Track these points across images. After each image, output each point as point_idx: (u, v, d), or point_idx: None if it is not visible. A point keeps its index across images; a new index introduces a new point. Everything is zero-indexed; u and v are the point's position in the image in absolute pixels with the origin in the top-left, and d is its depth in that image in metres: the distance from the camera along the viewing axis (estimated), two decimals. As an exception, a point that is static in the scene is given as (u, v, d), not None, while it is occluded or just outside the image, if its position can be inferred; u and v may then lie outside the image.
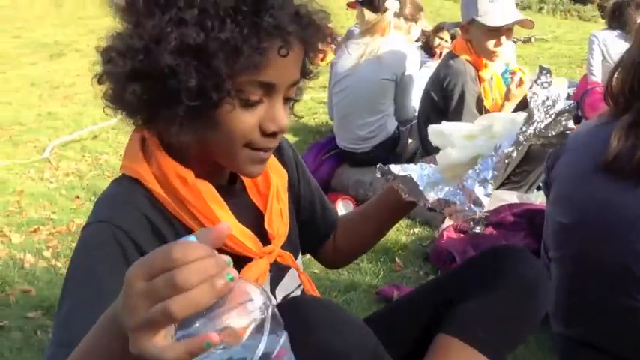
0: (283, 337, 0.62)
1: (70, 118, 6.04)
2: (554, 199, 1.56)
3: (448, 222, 2.81)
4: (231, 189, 1.06)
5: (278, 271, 1.11)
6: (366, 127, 3.39)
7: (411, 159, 3.62)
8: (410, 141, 3.52)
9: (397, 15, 3.42)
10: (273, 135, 0.93)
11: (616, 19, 4.13)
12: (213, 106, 0.87)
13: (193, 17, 0.83)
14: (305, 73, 1.02)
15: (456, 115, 2.85)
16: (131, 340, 0.58)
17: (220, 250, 0.93)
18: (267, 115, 0.91)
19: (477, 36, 2.84)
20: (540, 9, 19.98)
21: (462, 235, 2.55)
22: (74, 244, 2.92)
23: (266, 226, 1.06)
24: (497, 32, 2.77)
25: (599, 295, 1.45)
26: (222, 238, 0.61)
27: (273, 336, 0.61)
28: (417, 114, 3.34)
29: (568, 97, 4.35)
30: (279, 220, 1.09)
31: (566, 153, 1.53)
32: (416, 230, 2.98)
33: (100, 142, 5.18)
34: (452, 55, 2.97)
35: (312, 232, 1.30)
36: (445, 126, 1.12)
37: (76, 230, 3.13)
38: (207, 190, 0.97)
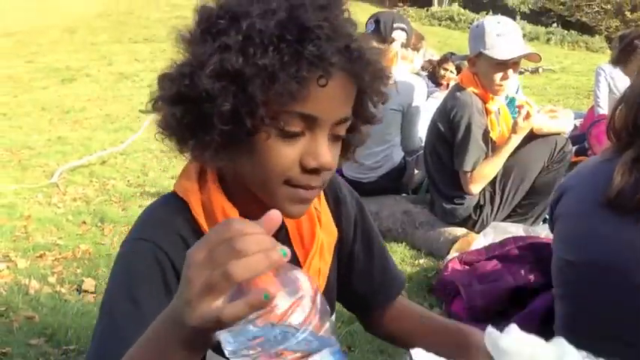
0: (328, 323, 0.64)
1: (79, 143, 6.10)
2: (559, 236, 1.56)
3: (453, 253, 2.80)
4: (275, 236, 1.03)
5: None
6: (372, 157, 3.40)
7: (417, 189, 3.63)
8: (416, 171, 3.52)
9: (404, 45, 3.45)
10: (314, 172, 0.88)
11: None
12: (247, 133, 0.85)
13: (237, 43, 0.83)
14: (365, 117, 0.97)
15: (462, 146, 2.86)
16: (190, 313, 0.61)
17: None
18: (308, 150, 0.87)
19: (484, 69, 2.86)
20: (548, 40, 20.09)
21: (467, 267, 2.54)
22: (79, 270, 2.93)
23: None
24: (504, 65, 2.80)
25: (602, 333, 1.43)
26: (275, 225, 0.64)
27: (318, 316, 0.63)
28: (423, 144, 3.35)
29: (575, 128, 4.38)
30: (314, 279, 1.05)
31: (571, 189, 1.52)
32: (421, 261, 2.97)
33: (108, 167, 5.21)
34: (459, 87, 2.99)
35: (362, 302, 1.24)
36: (506, 340, 0.82)
37: (81, 256, 3.14)
38: None
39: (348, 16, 0.91)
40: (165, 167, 5.33)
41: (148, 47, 16.49)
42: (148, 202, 4.31)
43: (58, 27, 17.61)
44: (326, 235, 1.07)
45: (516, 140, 2.86)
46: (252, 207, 0.93)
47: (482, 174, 2.89)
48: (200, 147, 0.88)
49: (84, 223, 3.74)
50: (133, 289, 0.89)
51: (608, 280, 1.40)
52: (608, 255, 1.39)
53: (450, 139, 2.94)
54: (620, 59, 3.73)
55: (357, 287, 1.20)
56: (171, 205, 0.98)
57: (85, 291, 2.72)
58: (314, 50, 0.82)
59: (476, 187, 2.93)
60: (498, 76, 2.82)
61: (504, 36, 2.80)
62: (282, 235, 1.03)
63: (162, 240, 0.92)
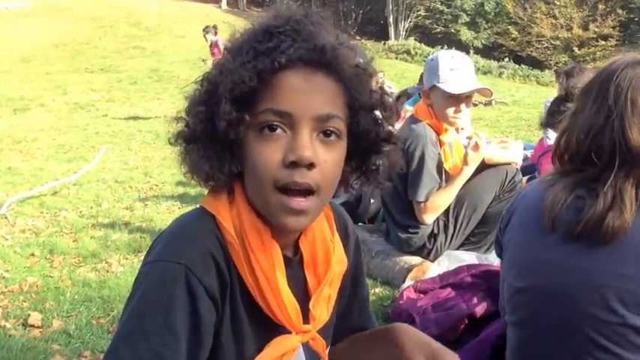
0: None
1: (30, 174, 5.96)
2: (508, 263, 1.58)
3: (408, 282, 2.81)
4: (290, 260, 1.04)
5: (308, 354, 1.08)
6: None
7: (373, 219, 3.64)
8: (372, 201, 3.54)
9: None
10: (295, 165, 0.89)
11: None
12: (227, 133, 0.91)
13: (219, 62, 0.95)
14: (370, 128, 0.99)
15: (415, 177, 2.88)
16: None
17: (261, 314, 0.97)
18: (289, 147, 0.90)
19: (438, 101, 2.91)
20: (501, 74, 20.74)
21: (421, 295, 2.55)
22: (25, 304, 2.82)
23: (311, 305, 1.03)
24: (457, 99, 2.86)
25: (553, 358, 1.45)
26: None
27: None
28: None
29: (526, 159, 4.49)
30: (324, 305, 1.06)
31: (516, 215, 1.55)
32: (377, 290, 2.97)
33: (59, 198, 5.10)
34: (413, 119, 3.03)
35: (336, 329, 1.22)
36: None
37: (28, 289, 3.03)
38: (276, 251, 0.97)
39: (323, 25, 0.95)
40: (119, 198, 5.24)
41: (105, 77, 16.36)
42: (101, 233, 4.23)
43: (12, 56, 17.29)
44: (339, 265, 1.09)
45: (468, 171, 2.91)
46: (272, 229, 0.97)
47: (435, 204, 2.93)
48: (201, 160, 0.94)
49: (32, 255, 3.63)
50: (171, 316, 0.88)
51: (557, 306, 1.42)
52: (557, 281, 1.42)
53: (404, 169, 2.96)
54: (549, 123, 3.52)
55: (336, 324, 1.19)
56: (202, 220, 0.98)
57: (31, 325, 2.62)
58: (270, 45, 0.90)
59: (429, 217, 2.95)
60: (452, 109, 2.88)
61: (457, 70, 2.87)
62: (295, 261, 1.04)
63: (194, 263, 0.91)
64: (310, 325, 1.03)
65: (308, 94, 0.91)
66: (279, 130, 0.90)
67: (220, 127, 0.90)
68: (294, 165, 0.90)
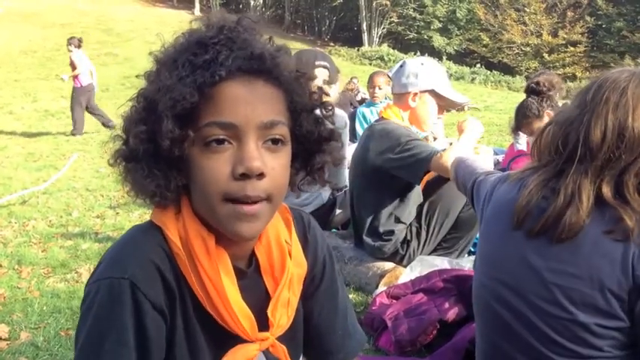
0: None
1: (-2, 182, 5.85)
2: (478, 257, 1.61)
3: (381, 288, 2.82)
4: (244, 272, 1.03)
5: None
6: (301, 194, 3.38)
7: (346, 225, 3.64)
8: (338, 211, 3.52)
9: (326, 82, 3.48)
10: (246, 177, 0.89)
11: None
12: (168, 151, 0.89)
13: (151, 76, 0.94)
14: (312, 128, 0.99)
15: (415, 147, 2.80)
16: None
17: (216, 325, 0.96)
18: (236, 158, 0.89)
19: (431, 106, 2.99)
20: (473, 79, 21.02)
21: (394, 301, 2.55)
22: (-10, 317, 2.72)
23: (268, 311, 1.02)
24: (442, 107, 3.02)
25: (513, 353, 1.47)
26: None
27: None
28: (347, 184, 3.35)
29: (497, 164, 4.54)
30: (283, 310, 1.04)
31: (489, 208, 1.58)
32: (350, 296, 2.97)
33: (28, 207, 5.01)
34: (383, 119, 3.03)
35: (318, 357, 1.20)
36: None
37: (-6, 301, 2.97)
38: (223, 258, 0.96)
39: (256, 30, 0.96)
40: (90, 206, 5.17)
41: (76, 84, 16.15)
42: (71, 242, 4.15)
43: (-21, 63, 16.98)
44: (297, 267, 1.07)
45: (465, 140, 2.84)
46: (221, 234, 0.96)
47: (449, 155, 2.69)
48: (146, 180, 0.93)
49: (0, 266, 3.55)
50: (123, 332, 0.89)
51: (514, 300, 1.45)
52: (514, 276, 1.45)
53: (392, 164, 2.83)
54: (517, 125, 3.59)
55: (316, 340, 1.18)
56: (148, 233, 0.98)
57: (-2, 338, 2.57)
58: (207, 57, 0.89)
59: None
60: (435, 115, 3.02)
61: (448, 82, 3.02)
62: (250, 272, 1.03)
63: (138, 276, 0.91)
64: (268, 333, 1.02)
65: (250, 104, 0.90)
66: (224, 143, 0.90)
67: (164, 146, 0.89)
68: (244, 177, 0.89)
